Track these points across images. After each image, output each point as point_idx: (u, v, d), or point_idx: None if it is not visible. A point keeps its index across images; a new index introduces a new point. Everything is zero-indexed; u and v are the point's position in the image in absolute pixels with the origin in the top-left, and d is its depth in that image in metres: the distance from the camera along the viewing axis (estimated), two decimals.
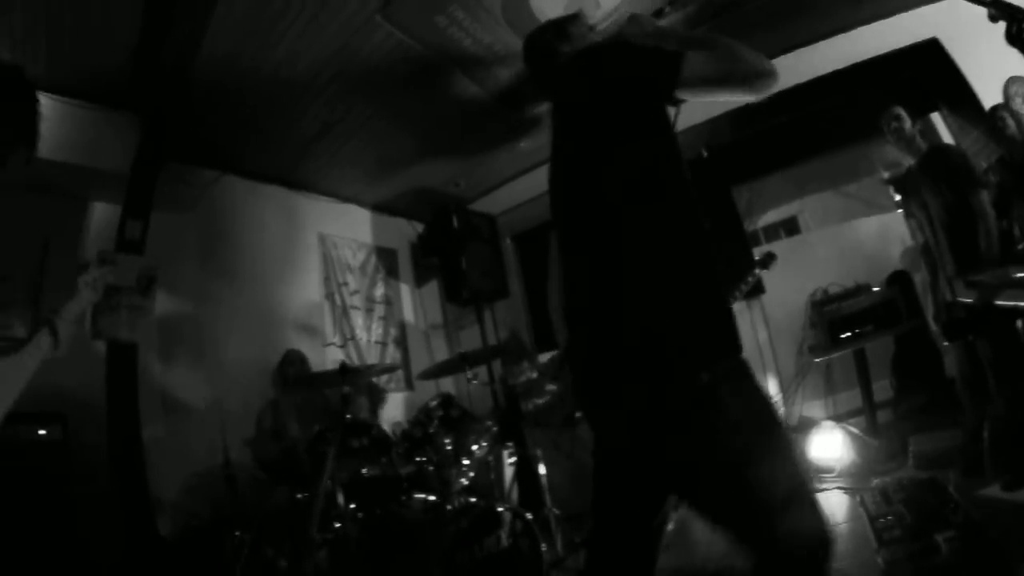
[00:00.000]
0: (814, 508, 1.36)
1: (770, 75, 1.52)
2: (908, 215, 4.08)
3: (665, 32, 1.79)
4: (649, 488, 1.60)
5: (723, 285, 1.56)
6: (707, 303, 1.47)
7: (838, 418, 4.48)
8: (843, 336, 4.30)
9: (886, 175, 4.89)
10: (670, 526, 3.86)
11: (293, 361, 4.62)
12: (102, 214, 4.36)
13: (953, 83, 4.31)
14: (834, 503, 3.47)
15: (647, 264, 1.47)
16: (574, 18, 2.03)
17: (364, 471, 3.49)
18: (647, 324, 1.42)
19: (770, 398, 1.49)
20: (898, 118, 3.71)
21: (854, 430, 4.13)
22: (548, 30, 2.01)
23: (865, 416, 4.38)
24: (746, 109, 5.09)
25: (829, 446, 4.08)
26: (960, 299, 3.32)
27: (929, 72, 4.50)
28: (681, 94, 1.54)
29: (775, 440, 1.40)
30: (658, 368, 1.40)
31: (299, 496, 3.38)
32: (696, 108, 5.10)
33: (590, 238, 1.60)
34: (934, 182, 3.56)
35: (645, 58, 1.59)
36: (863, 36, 4.67)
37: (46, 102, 2.96)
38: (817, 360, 4.68)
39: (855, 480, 3.74)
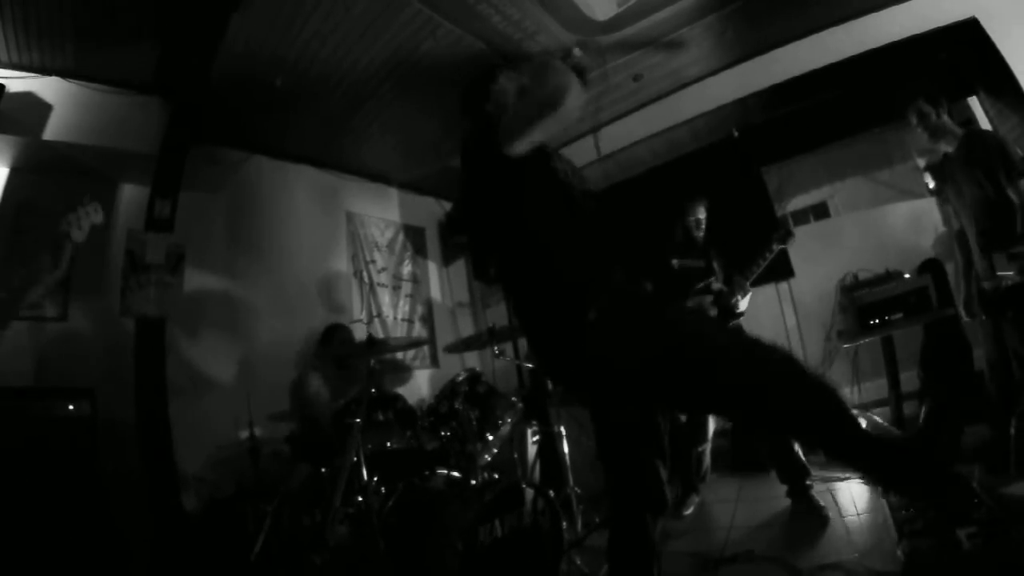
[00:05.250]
0: None
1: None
2: (944, 201, 3.98)
3: None
4: None
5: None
6: None
7: (864, 407, 4.43)
8: (872, 323, 4.22)
9: (922, 163, 4.78)
10: (688, 511, 3.89)
11: (344, 340, 4.64)
12: (131, 194, 4.43)
13: (992, 66, 4.14)
14: (856, 494, 3.45)
15: None
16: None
17: (388, 444, 3.53)
18: None
19: None
20: (923, 114, 3.57)
21: (879, 420, 4.08)
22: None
23: (891, 407, 4.33)
24: (778, 89, 5.01)
25: None
26: (1000, 272, 3.23)
27: (967, 54, 4.34)
28: None
29: None
30: None
31: (323, 470, 3.44)
32: (727, 87, 5.14)
33: None
34: (970, 170, 3.46)
35: None
36: (898, 15, 4.51)
37: (75, 89, 3.06)
38: (845, 346, 4.62)
39: None
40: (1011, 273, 3.12)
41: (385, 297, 6.10)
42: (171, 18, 3.70)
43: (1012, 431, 3.06)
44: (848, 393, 4.81)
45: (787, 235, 3.95)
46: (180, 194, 4.33)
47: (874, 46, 4.58)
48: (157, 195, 4.24)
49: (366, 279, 5.96)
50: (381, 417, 3.51)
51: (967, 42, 4.25)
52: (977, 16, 4.20)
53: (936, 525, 2.45)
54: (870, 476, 2.09)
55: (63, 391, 3.46)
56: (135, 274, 4.07)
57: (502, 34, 4.31)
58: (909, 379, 4.38)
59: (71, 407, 3.49)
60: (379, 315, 5.94)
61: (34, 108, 3.83)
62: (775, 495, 3.63)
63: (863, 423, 3.82)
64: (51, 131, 3.87)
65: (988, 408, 3.59)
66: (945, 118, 3.52)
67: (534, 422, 4.23)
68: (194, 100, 4.35)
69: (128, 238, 4.17)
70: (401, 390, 4.80)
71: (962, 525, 2.33)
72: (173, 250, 4.26)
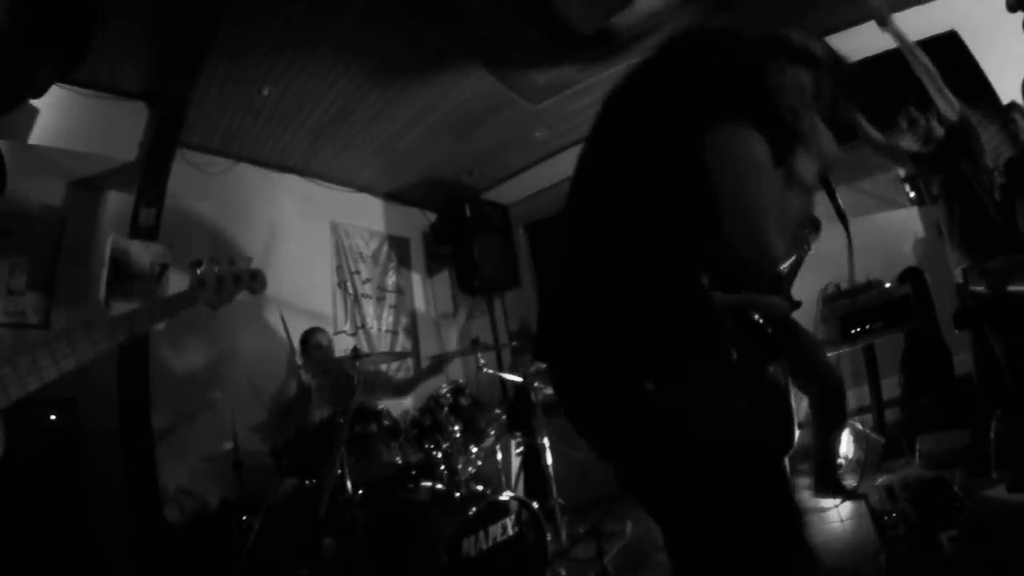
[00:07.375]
0: None
1: None
2: (932, 200, 3.98)
3: None
4: None
5: None
6: None
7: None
8: (854, 331, 4.25)
9: (903, 173, 4.83)
10: None
11: (317, 344, 4.49)
12: (116, 201, 4.40)
13: (971, 78, 4.23)
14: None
15: None
16: None
17: (373, 463, 3.51)
18: None
19: None
20: (913, 119, 3.66)
21: (861, 427, 4.11)
22: None
23: (873, 413, 4.37)
24: None
25: None
26: (973, 288, 3.28)
27: (946, 66, 4.42)
28: None
29: None
30: None
31: (307, 482, 3.41)
32: None
33: None
34: (964, 158, 3.54)
35: None
36: (877, 29, 4.58)
37: (59, 93, 2.96)
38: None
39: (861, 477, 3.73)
40: (981, 289, 3.18)
41: (369, 308, 6.07)
42: (159, 24, 3.69)
43: (992, 435, 3.09)
44: None
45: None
46: (165, 202, 4.32)
47: (855, 59, 4.63)
48: (142, 202, 4.22)
49: (350, 290, 5.93)
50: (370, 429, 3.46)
51: (946, 55, 4.32)
52: (956, 29, 4.27)
53: (918, 530, 2.48)
54: None
55: (45, 400, 3.41)
56: (119, 283, 4.03)
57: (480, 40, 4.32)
58: (890, 385, 4.42)
59: (52, 417, 3.45)
60: (363, 326, 5.90)
61: (20, 112, 3.79)
62: None
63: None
64: (36, 135, 3.80)
65: (969, 412, 3.64)
66: (934, 123, 3.59)
67: (518, 434, 4.22)
68: (180, 107, 4.33)
69: (112, 246, 4.12)
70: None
71: (944, 528, 2.37)
72: (158, 258, 4.23)
